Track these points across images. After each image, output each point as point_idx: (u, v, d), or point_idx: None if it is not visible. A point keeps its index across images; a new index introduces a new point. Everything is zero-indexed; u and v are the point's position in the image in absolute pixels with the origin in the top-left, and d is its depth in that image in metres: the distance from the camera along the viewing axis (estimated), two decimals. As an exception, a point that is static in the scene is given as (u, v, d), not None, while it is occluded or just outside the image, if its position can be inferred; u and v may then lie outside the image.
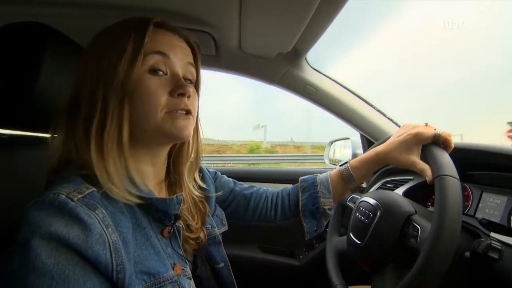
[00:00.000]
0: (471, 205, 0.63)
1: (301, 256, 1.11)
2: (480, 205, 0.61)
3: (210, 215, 0.58)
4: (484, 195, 0.62)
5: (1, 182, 0.48)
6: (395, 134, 0.58)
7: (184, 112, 0.44)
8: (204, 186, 0.58)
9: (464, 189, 0.66)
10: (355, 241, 0.61)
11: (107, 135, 0.38)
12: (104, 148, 0.38)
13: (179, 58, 0.44)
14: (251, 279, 0.91)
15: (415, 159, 0.53)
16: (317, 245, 1.11)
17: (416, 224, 0.51)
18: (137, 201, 0.40)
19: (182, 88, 0.43)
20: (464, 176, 0.68)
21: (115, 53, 0.39)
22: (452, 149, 0.52)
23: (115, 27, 0.43)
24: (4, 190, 0.48)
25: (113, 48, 0.40)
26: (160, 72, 0.42)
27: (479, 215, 0.60)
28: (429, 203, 0.79)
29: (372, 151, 0.61)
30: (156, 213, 0.43)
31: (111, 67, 0.39)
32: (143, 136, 0.43)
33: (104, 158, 0.38)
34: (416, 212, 0.55)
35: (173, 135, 0.43)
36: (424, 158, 0.53)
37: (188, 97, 0.44)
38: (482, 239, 0.48)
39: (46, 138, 0.58)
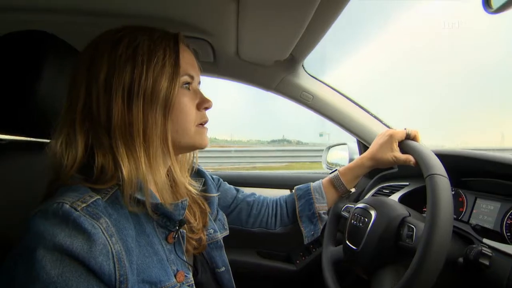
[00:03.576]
0: (465, 211, 0.64)
1: (298, 261, 1.11)
2: (474, 211, 0.62)
3: (212, 220, 0.59)
4: (478, 201, 0.63)
5: (0, 187, 0.49)
6: (374, 141, 0.68)
7: (205, 124, 0.48)
8: (203, 187, 0.59)
9: (458, 195, 0.67)
10: (351, 247, 0.61)
11: (153, 148, 0.40)
12: (152, 161, 0.40)
13: (198, 76, 0.48)
14: (248, 284, 0.90)
15: (397, 154, 0.63)
16: (313, 250, 1.11)
17: (411, 225, 0.52)
18: (148, 209, 0.40)
19: (208, 103, 0.47)
20: (458, 183, 0.69)
21: (153, 68, 0.40)
22: (420, 141, 0.64)
23: (135, 38, 0.41)
24: (4, 195, 0.48)
25: (149, 63, 0.40)
26: (188, 86, 0.46)
27: (472, 221, 0.61)
28: (425, 209, 0.79)
29: (359, 158, 0.70)
30: (161, 219, 0.43)
31: (151, 81, 0.39)
32: (176, 148, 0.44)
33: (153, 169, 0.40)
34: (410, 215, 0.56)
35: (200, 146, 0.47)
36: (403, 151, 0.64)
37: None
38: (474, 246, 0.49)
39: (46, 143, 0.59)
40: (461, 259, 0.50)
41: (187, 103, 0.44)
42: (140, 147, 0.39)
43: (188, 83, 0.45)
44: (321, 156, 1.34)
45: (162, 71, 0.40)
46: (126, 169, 0.38)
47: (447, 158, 0.54)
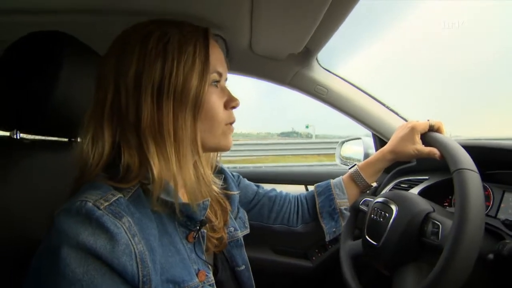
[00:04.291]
0: (492, 205, 0.61)
1: (314, 258, 1.10)
2: (502, 205, 0.60)
3: (233, 218, 0.58)
4: (506, 195, 0.60)
5: (23, 184, 0.50)
6: (395, 134, 0.65)
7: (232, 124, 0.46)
8: (223, 184, 0.57)
9: (484, 189, 0.64)
10: (371, 242, 0.60)
11: (183, 148, 0.38)
12: (182, 160, 0.38)
13: (226, 73, 0.46)
14: (264, 281, 0.90)
15: (419, 146, 0.60)
16: (329, 246, 1.10)
17: (436, 221, 0.50)
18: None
19: (236, 101, 0.45)
20: (484, 176, 0.66)
21: (183, 65, 0.38)
22: (444, 133, 0.61)
23: (165, 32, 0.39)
24: (26, 193, 0.49)
25: (180, 59, 0.38)
26: (217, 84, 0.44)
27: (501, 216, 0.58)
28: (446, 203, 0.77)
29: (379, 151, 0.66)
30: (182, 218, 0.42)
31: (181, 79, 0.38)
32: (203, 148, 0.43)
33: (183, 169, 0.39)
34: (434, 210, 0.54)
35: (224, 148, 0.46)
36: (427, 144, 0.60)
37: None
38: (507, 241, 0.47)
39: (65, 142, 0.60)
40: (491, 255, 0.48)
41: (215, 101, 0.42)
42: (171, 147, 0.38)
43: (217, 81, 0.44)
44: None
45: (192, 68, 0.38)
46: (157, 168, 0.37)
47: (472, 150, 0.52)
